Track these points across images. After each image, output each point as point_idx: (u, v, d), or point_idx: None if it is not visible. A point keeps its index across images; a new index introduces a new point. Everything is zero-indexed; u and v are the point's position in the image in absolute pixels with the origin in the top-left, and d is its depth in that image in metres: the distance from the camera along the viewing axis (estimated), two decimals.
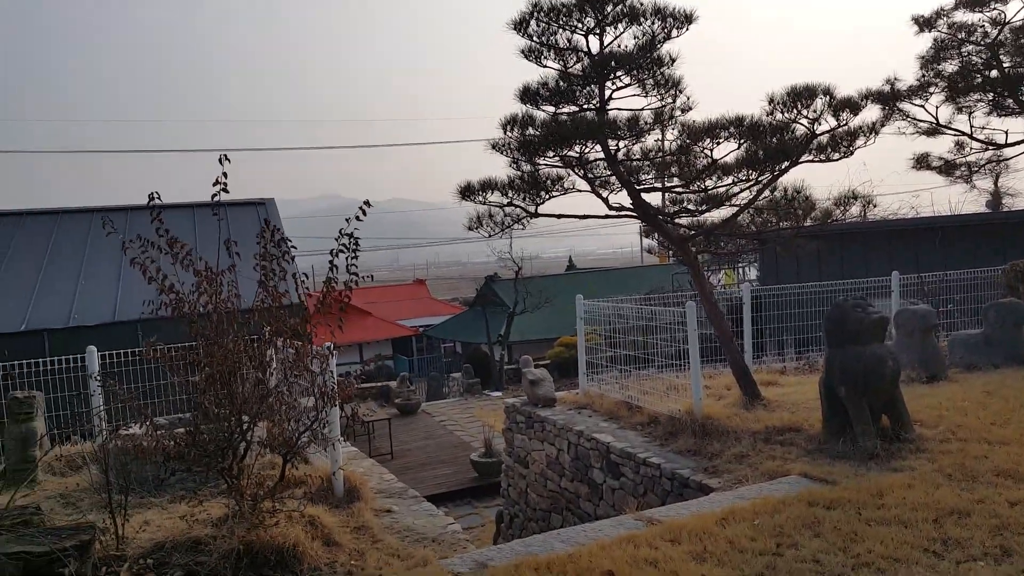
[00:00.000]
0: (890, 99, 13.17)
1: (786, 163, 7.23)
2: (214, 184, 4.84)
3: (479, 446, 16.53)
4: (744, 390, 8.15)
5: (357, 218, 5.42)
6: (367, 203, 5.46)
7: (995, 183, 26.22)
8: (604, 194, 7.63)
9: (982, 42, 14.12)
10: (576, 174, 7.81)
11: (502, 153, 7.62)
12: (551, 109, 7.64)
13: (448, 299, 53.77)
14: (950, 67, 14.32)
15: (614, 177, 7.63)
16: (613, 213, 7.76)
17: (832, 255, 19.01)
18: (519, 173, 7.47)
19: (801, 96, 6.79)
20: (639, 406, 8.76)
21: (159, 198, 5.16)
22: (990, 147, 14.77)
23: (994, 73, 14.39)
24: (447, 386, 27.95)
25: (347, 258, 5.41)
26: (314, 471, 6.47)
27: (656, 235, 9.31)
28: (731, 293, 16.53)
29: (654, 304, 10.28)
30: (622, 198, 8.00)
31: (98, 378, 5.83)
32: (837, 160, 7.21)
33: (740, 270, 25.67)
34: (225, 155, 4.86)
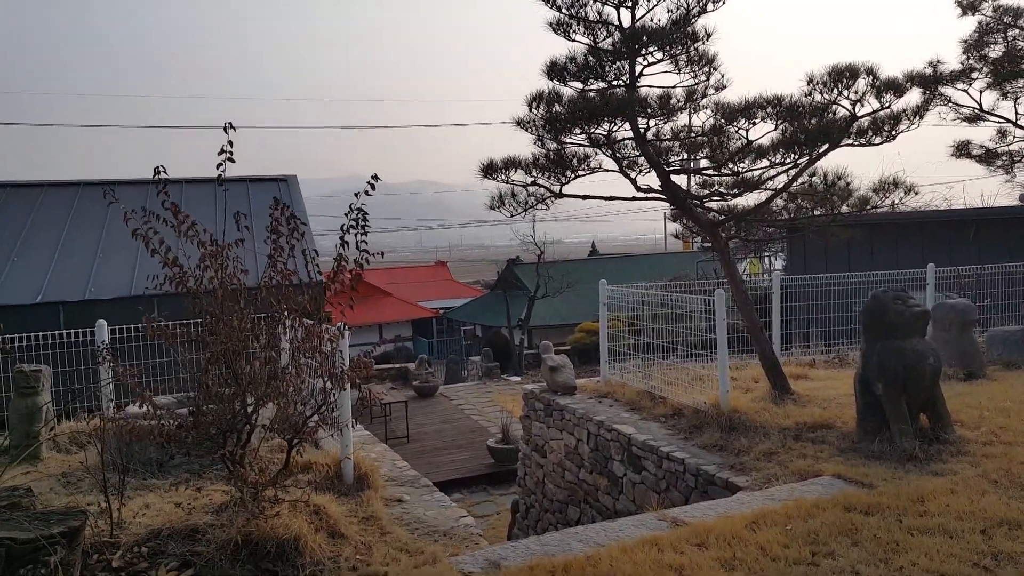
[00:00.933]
0: (932, 82, 12.57)
1: (825, 146, 6.82)
2: (219, 153, 4.59)
3: (496, 431, 16.32)
4: (773, 383, 7.81)
5: (367, 192, 5.19)
6: (376, 177, 5.21)
7: None
8: (632, 175, 7.28)
9: None
10: (603, 154, 7.47)
11: (526, 130, 7.29)
12: (579, 86, 7.29)
13: (470, 282, 53.66)
14: (994, 52, 13.69)
15: (643, 158, 7.27)
16: (641, 195, 7.41)
17: (863, 246, 18.45)
18: (544, 151, 7.14)
19: (842, 76, 6.39)
20: (662, 397, 8.45)
21: (165, 172, 4.92)
22: None
23: None
24: (466, 369, 27.78)
25: (356, 234, 5.19)
26: (323, 456, 6.26)
27: (684, 220, 8.95)
28: (758, 282, 16.09)
29: (679, 291, 9.95)
30: (650, 180, 7.67)
31: (102, 352, 5.64)
32: (878, 144, 6.80)
33: (767, 259, 25.10)
34: (230, 123, 4.60)
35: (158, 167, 4.96)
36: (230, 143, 4.60)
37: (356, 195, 5.24)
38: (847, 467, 5.86)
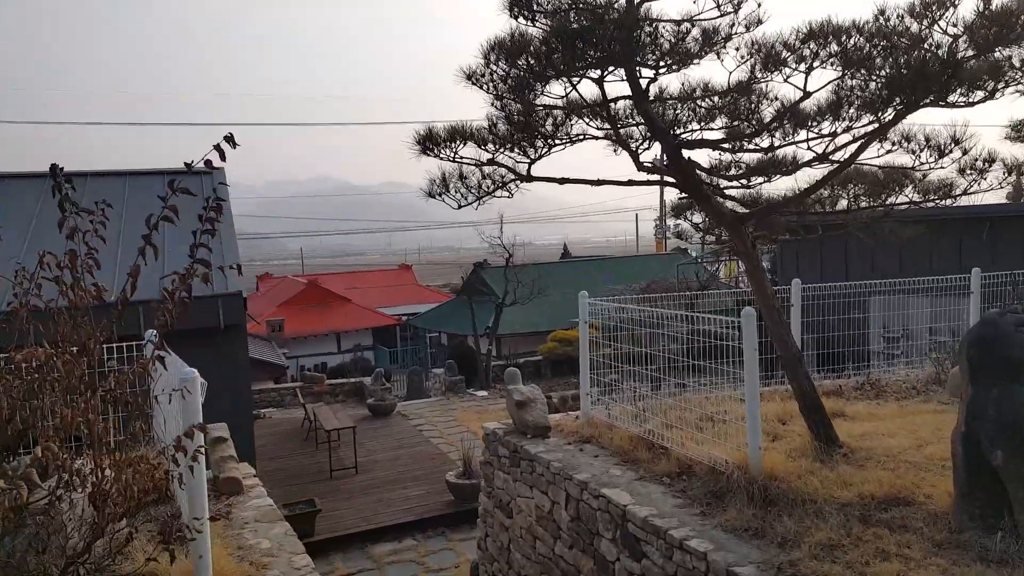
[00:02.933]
0: None
1: (899, 106, 4.82)
2: None
3: (457, 459, 14.27)
4: (815, 432, 5.81)
5: (219, 149, 3.15)
6: (230, 138, 3.16)
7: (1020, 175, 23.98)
8: (632, 146, 5.21)
9: None
10: (586, 121, 5.39)
11: (480, 87, 5.19)
12: (550, 24, 5.20)
13: (439, 285, 51.51)
14: None
15: (643, 124, 5.21)
16: (641, 178, 5.35)
17: (862, 249, 16.66)
18: (503, 113, 5.05)
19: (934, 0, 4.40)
20: (663, 447, 6.41)
21: None
22: None
23: None
24: (429, 381, 25.57)
25: (198, 235, 3.16)
26: (179, 567, 4.10)
27: (692, 213, 6.89)
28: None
29: (660, 303, 7.98)
30: (648, 157, 5.61)
31: None
32: (975, 104, 4.83)
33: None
34: None
35: None
36: None
37: (189, 165, 3.27)
38: None
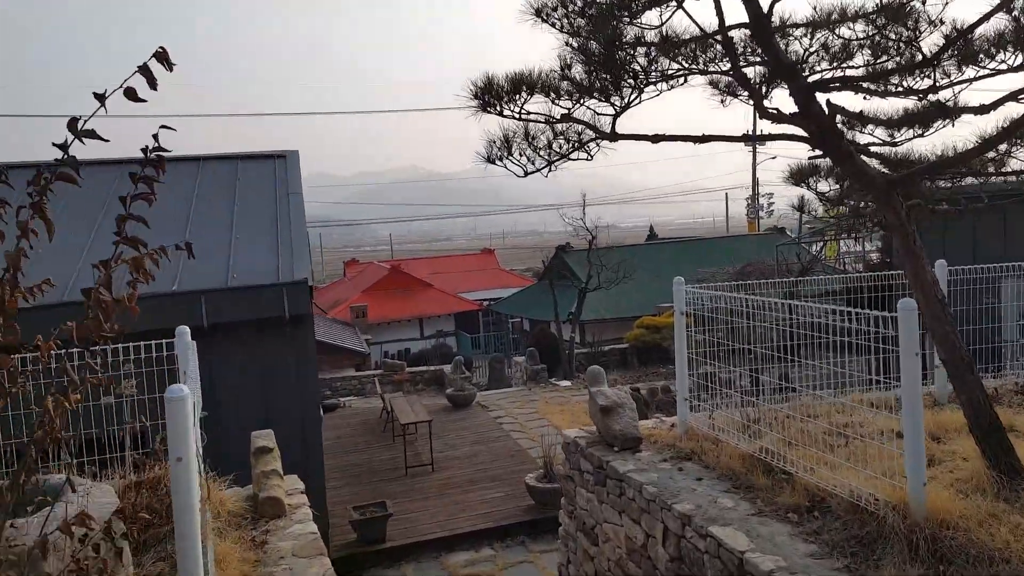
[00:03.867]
0: None
1: None
2: None
3: (538, 456, 13.29)
4: (991, 458, 4.45)
5: (143, 67, 2.20)
6: (163, 55, 2.16)
7: None
8: (755, 83, 3.97)
9: None
10: (686, 64, 4.18)
11: (551, 23, 4.07)
12: None
13: (522, 270, 50.77)
14: None
15: (764, 61, 3.97)
16: (759, 132, 4.13)
17: (993, 228, 14.53)
18: (577, 51, 3.91)
19: None
20: (786, 472, 5.16)
21: None
22: None
23: None
24: (510, 368, 24.70)
25: (127, 202, 2.22)
26: None
27: (816, 180, 5.50)
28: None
29: (762, 290, 6.68)
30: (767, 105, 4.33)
31: None
32: None
33: (860, 240, 20.92)
34: None
35: None
36: None
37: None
38: None
